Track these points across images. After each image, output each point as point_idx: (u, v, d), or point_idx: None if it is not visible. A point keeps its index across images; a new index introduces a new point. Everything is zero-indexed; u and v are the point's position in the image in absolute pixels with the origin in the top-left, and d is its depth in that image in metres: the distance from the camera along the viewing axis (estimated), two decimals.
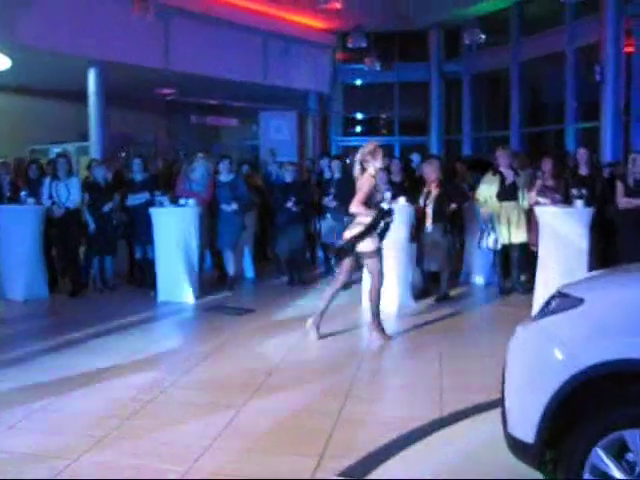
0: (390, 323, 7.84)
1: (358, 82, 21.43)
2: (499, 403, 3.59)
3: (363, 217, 6.85)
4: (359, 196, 6.85)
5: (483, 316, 8.22)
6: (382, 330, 6.90)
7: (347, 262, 7.03)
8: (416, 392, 5.46)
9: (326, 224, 9.74)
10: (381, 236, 6.90)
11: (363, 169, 7.01)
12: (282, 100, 20.05)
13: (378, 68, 19.38)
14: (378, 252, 6.97)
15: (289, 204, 9.69)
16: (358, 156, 7.08)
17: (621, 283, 3.17)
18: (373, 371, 5.94)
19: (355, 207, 6.85)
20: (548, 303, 3.39)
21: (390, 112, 21.53)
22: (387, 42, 20.40)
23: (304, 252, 10.26)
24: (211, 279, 10.29)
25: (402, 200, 8.46)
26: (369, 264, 7.00)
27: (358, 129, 22.50)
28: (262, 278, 10.69)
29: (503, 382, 3.49)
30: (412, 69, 20.69)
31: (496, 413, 3.72)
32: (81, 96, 14.79)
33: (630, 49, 14.11)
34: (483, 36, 15.93)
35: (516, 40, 17.84)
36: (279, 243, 10.21)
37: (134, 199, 9.77)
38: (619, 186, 8.64)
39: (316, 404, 5.12)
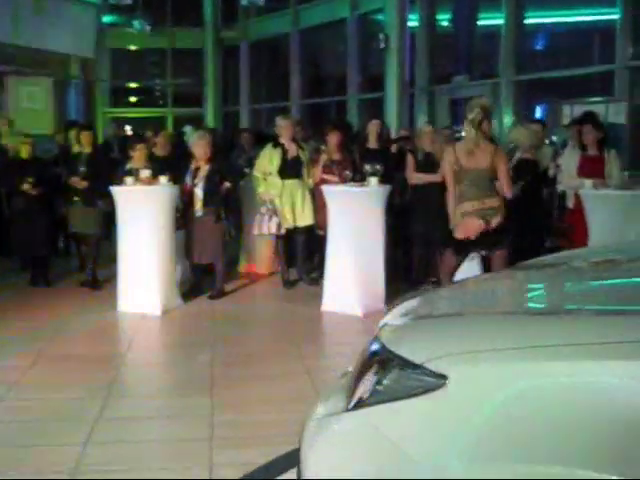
0: (148, 331, 6.32)
1: (127, 47, 19.36)
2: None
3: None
4: (507, 178, 5.65)
5: (265, 318, 6.86)
6: None
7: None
8: (179, 446, 3.96)
9: (75, 210, 7.92)
10: None
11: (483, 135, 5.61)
12: (39, 64, 17.56)
13: (148, 30, 17.46)
14: None
15: (25, 186, 7.78)
16: (473, 115, 5.59)
17: (517, 347, 1.77)
18: (114, 418, 4.33)
19: (509, 192, 5.68)
20: (367, 365, 2.00)
21: (163, 81, 19.71)
22: (159, 3, 18.57)
23: (48, 245, 8.34)
24: None
25: (164, 179, 6.91)
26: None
27: (127, 99, 20.42)
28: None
29: None
30: (186, 34, 18.99)
31: None
32: None
33: (415, 22, 13.39)
34: None
35: (296, 6, 16.70)
36: (17, 234, 8.25)
37: None
38: (409, 160, 7.70)
39: None
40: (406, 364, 1.84)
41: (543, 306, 2.28)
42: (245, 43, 18.49)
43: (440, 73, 13.45)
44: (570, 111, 9.26)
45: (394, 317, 2.34)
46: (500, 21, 11.78)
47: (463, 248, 5.97)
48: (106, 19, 18.96)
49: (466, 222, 5.76)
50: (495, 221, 5.73)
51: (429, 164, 7.69)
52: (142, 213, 6.75)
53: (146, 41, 18.57)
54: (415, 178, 7.69)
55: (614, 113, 8.79)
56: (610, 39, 10.02)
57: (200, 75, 19.06)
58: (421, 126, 8.49)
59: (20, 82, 16.07)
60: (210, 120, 18.37)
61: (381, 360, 1.97)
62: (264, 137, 9.81)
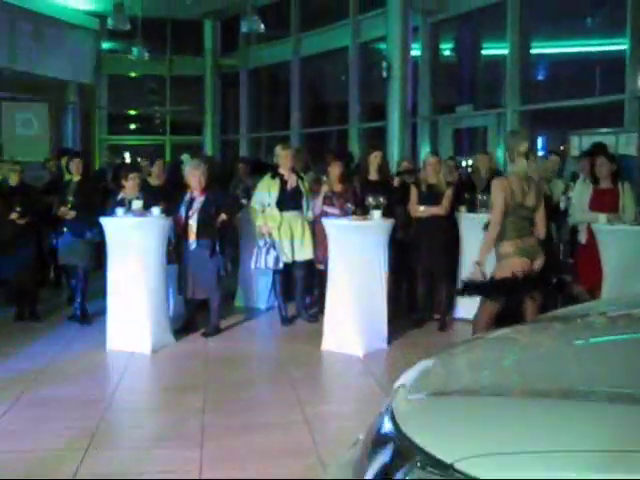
0: (136, 373, 5.94)
1: (126, 74, 19.16)
2: None
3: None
4: (544, 218, 5.35)
5: (262, 358, 6.44)
6: None
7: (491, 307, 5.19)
8: None
9: (64, 241, 7.58)
10: None
11: None
12: (36, 90, 17.33)
13: (146, 57, 17.23)
14: None
15: (13, 215, 7.46)
16: (523, 147, 5.19)
17: None
18: (95, 475, 3.94)
19: (542, 233, 5.36)
20: (379, 443, 1.66)
21: (161, 108, 19.48)
22: (158, 30, 18.37)
23: (34, 277, 7.98)
24: None
25: (156, 210, 6.58)
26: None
27: (126, 126, 20.18)
28: None
29: None
30: (185, 62, 18.83)
31: None
32: None
33: (417, 51, 13.15)
34: (263, 25, 14.31)
35: (298, 33, 16.51)
36: (2, 266, 7.89)
37: None
38: (413, 192, 7.40)
39: None
40: (429, 460, 1.48)
41: (576, 386, 1.92)
42: (245, 71, 18.31)
43: (443, 102, 13.21)
44: (579, 142, 8.96)
45: (409, 383, 2.00)
46: (505, 50, 11.57)
47: (508, 289, 5.19)
48: (105, 45, 18.78)
49: (506, 264, 5.14)
50: (539, 261, 5.20)
51: (433, 196, 7.39)
52: (133, 245, 6.41)
53: (145, 68, 18.37)
54: (418, 211, 7.39)
55: (624, 144, 8.49)
56: (618, 69, 9.79)
57: (199, 103, 18.85)
58: (426, 156, 8.17)
59: (15, 108, 15.81)
60: (209, 148, 18.13)
61: (397, 447, 1.62)
62: (262, 166, 9.52)
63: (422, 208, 7.35)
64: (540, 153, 10.76)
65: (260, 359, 6.39)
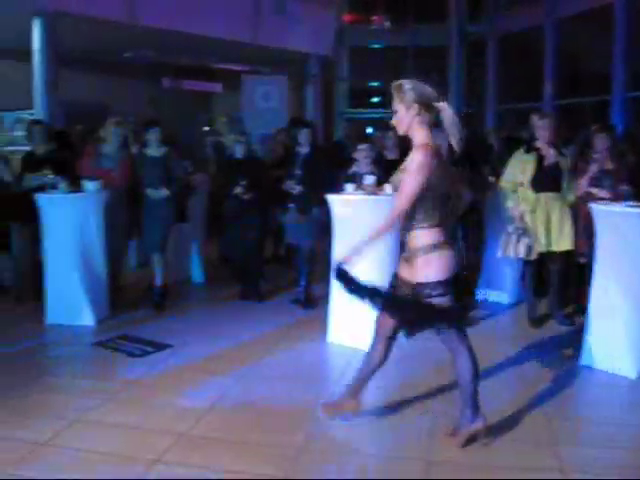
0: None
1: (367, 46, 18.54)
2: None
3: None
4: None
5: (510, 378, 5.26)
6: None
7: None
8: None
9: (290, 217, 6.97)
10: None
11: None
12: (277, 63, 17.27)
13: (388, 27, 16.45)
14: None
15: (238, 189, 6.95)
16: None
17: None
18: None
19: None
20: None
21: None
22: None
23: (260, 255, 7.45)
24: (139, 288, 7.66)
25: (389, 187, 5.65)
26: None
27: (366, 99, 19.58)
28: (214, 286, 8.00)
29: None
30: (429, 31, 17.76)
31: None
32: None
33: None
34: None
35: None
36: (227, 242, 7.49)
37: (35, 179, 7.10)
38: None
39: None
40: None
41: None
42: (493, 38, 16.92)
43: None
44: None
45: None
46: None
47: None
48: (346, 17, 18.29)
49: None
50: (420, 275, 3.61)
51: None
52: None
53: (387, 39, 17.65)
54: None
55: None
56: None
57: (443, 74, 17.77)
58: None
59: (255, 81, 15.80)
60: None
61: None
62: (513, 141, 8.32)
63: None
64: None
65: (507, 377, 5.24)
